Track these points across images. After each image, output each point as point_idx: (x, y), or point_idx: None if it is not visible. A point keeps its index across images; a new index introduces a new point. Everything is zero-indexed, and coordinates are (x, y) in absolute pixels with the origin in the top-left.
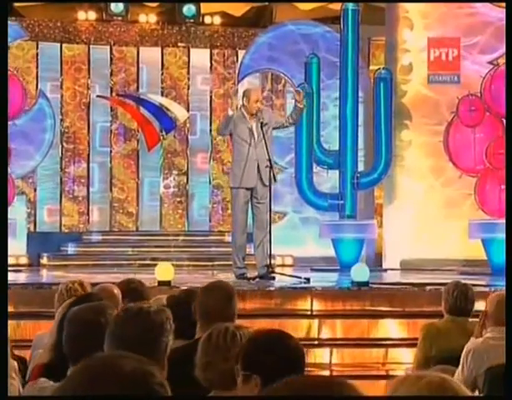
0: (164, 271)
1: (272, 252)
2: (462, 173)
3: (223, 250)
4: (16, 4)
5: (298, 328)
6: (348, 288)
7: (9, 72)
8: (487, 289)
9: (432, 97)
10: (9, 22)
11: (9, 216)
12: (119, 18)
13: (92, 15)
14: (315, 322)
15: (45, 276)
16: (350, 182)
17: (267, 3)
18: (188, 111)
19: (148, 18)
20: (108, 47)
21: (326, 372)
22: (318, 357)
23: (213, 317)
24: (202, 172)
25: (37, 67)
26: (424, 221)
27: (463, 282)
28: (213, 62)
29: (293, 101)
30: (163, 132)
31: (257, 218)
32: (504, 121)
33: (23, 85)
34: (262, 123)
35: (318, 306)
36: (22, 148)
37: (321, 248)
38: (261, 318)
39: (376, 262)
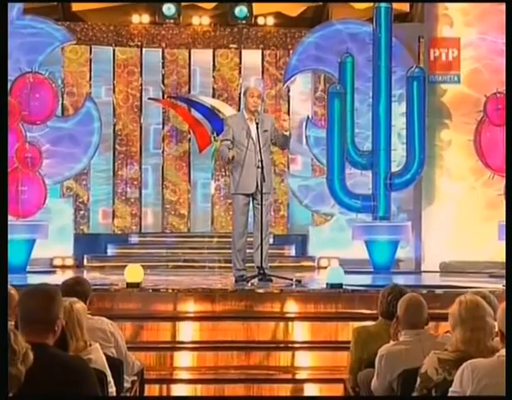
0: (133, 272)
1: (313, 255)
2: (493, 174)
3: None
4: (75, 9)
5: (266, 330)
6: (321, 291)
7: (41, 77)
8: None
9: (472, 96)
10: (56, 26)
11: (49, 216)
12: (171, 21)
13: (145, 18)
14: (284, 324)
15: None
16: (383, 183)
17: (321, 3)
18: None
19: (201, 20)
20: (160, 50)
21: (288, 376)
22: (282, 360)
23: (33, 321)
24: None
25: (90, 71)
26: (464, 222)
27: (400, 286)
28: (264, 62)
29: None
30: (214, 134)
31: (256, 220)
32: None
33: (54, 89)
34: (257, 124)
35: (290, 308)
36: (70, 151)
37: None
38: (229, 320)
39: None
